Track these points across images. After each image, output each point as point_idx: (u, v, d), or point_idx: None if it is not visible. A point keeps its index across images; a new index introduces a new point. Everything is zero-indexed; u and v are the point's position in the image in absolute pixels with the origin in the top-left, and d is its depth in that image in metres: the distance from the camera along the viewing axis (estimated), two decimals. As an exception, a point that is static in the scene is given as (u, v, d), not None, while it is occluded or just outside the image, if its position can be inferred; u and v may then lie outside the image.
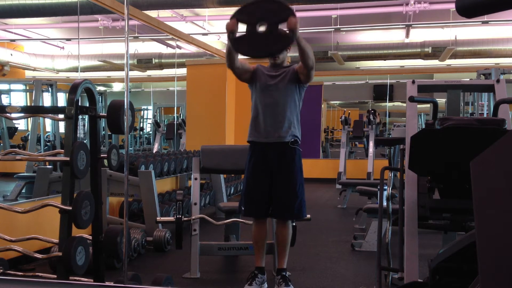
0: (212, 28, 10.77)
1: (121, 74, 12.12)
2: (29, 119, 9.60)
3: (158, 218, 4.10)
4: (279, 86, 3.17)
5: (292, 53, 11.04)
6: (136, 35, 10.15)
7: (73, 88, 2.54)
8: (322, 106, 11.14)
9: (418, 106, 3.07)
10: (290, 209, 3.17)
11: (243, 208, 3.26)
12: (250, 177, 3.23)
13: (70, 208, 2.41)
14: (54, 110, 3.92)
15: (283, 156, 3.16)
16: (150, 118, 13.74)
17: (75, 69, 12.59)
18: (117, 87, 15.27)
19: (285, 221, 3.24)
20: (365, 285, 3.28)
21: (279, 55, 3.18)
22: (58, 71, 13.05)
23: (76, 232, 2.49)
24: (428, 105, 9.51)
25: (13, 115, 2.95)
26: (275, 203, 3.18)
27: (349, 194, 6.77)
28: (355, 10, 9.27)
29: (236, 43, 2.90)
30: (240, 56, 3.14)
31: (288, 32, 2.81)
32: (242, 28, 2.87)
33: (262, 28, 2.79)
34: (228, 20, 2.87)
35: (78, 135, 2.56)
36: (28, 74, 13.35)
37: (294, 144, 3.18)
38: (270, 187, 3.16)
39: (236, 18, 2.86)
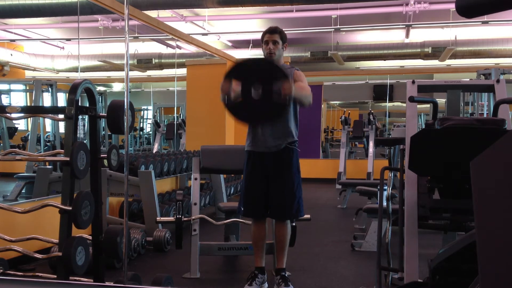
0: (212, 28, 10.76)
1: (121, 74, 12.12)
2: (29, 119, 9.59)
3: (158, 218, 4.10)
4: None
5: (291, 53, 10.99)
6: (136, 35, 10.15)
7: (73, 88, 2.54)
8: (322, 106, 11.14)
9: (418, 106, 3.07)
10: (288, 209, 3.17)
11: (242, 209, 3.27)
12: (249, 178, 3.23)
13: (70, 208, 2.41)
14: (54, 110, 3.92)
15: (280, 157, 3.16)
16: (150, 118, 13.74)
17: (75, 69, 12.58)
18: (117, 87, 15.27)
19: (284, 221, 3.24)
20: (365, 285, 3.28)
21: (274, 56, 3.15)
22: (58, 71, 13.04)
23: (76, 232, 2.49)
24: (428, 105, 9.51)
25: (13, 115, 2.95)
26: (273, 204, 3.18)
27: (349, 194, 6.77)
28: (355, 10, 9.26)
29: (232, 109, 2.92)
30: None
31: (283, 97, 2.78)
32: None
33: (256, 93, 2.79)
34: (223, 82, 2.87)
35: (78, 135, 2.56)
36: (28, 74, 13.34)
37: (291, 144, 3.18)
38: (268, 187, 3.16)
39: (230, 79, 2.86)
